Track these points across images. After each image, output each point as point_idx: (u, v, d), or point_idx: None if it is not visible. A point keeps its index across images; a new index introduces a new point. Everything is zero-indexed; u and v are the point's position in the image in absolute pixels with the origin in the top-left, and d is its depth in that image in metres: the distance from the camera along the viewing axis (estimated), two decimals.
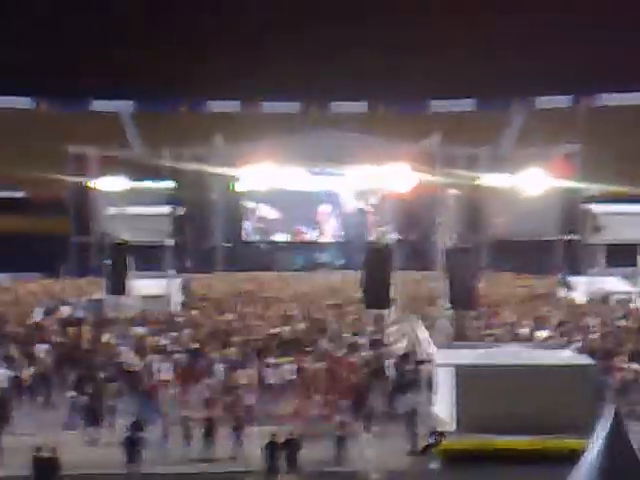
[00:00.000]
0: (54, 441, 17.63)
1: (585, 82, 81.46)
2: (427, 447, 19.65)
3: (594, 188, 60.95)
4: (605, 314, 36.24)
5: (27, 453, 17.09)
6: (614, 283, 45.55)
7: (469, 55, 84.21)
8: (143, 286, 39.34)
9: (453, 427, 19.59)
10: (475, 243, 48.09)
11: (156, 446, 19.28)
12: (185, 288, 44.24)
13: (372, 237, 65.78)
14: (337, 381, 23.05)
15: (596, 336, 29.96)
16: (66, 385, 24.12)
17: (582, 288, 44.88)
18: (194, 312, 37.96)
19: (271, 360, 25.41)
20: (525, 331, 31.53)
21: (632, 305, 41.24)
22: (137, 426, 18.90)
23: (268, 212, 75.60)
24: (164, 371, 24.67)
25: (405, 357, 25.98)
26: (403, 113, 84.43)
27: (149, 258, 44.97)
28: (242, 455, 19.40)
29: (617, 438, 6.10)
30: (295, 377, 24.24)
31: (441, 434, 19.54)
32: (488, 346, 23.73)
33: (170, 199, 64.79)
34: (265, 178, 67.75)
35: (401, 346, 27.33)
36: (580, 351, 24.53)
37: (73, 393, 22.33)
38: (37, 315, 36.44)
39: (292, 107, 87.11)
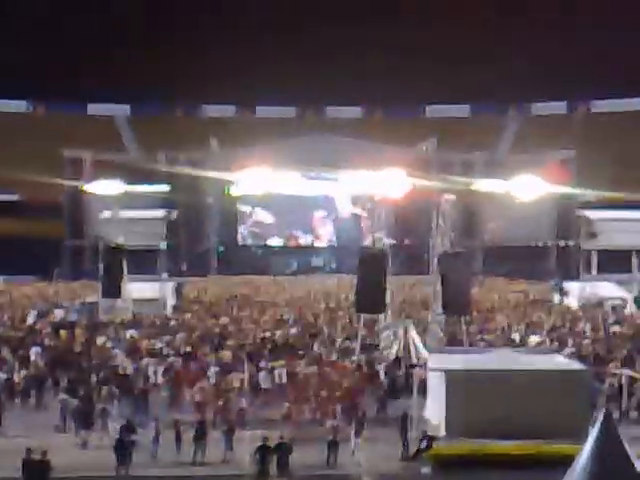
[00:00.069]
0: (46, 444, 17.60)
1: (580, 88, 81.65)
2: (418, 451, 19.63)
3: (589, 194, 61.05)
4: (599, 320, 36.29)
5: (19, 455, 17.08)
6: (608, 289, 45.53)
7: (465, 61, 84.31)
8: (137, 289, 39.32)
9: (443, 432, 19.56)
10: (469, 248, 48.17)
11: (148, 449, 19.27)
12: (178, 291, 44.23)
13: (367, 242, 65.68)
14: (329, 385, 23.05)
15: (589, 341, 30.04)
16: (58, 388, 24.10)
17: (576, 294, 44.88)
18: (187, 315, 37.98)
19: (264, 364, 25.44)
20: (518, 336, 31.60)
21: (626, 311, 41.29)
22: (128, 429, 18.91)
23: (263, 216, 75.63)
24: (157, 374, 24.71)
25: (397, 362, 26.00)
26: (399, 118, 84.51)
27: (143, 261, 44.99)
28: (233, 458, 19.38)
29: (609, 442, 6.15)
30: (287, 381, 24.25)
31: (432, 438, 19.51)
32: (480, 351, 23.71)
33: (165, 203, 64.86)
34: (260, 182, 67.68)
35: (393, 351, 27.34)
36: (573, 356, 24.54)
37: (64, 396, 22.30)
38: (31, 318, 36.43)
39: (287, 112, 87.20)
